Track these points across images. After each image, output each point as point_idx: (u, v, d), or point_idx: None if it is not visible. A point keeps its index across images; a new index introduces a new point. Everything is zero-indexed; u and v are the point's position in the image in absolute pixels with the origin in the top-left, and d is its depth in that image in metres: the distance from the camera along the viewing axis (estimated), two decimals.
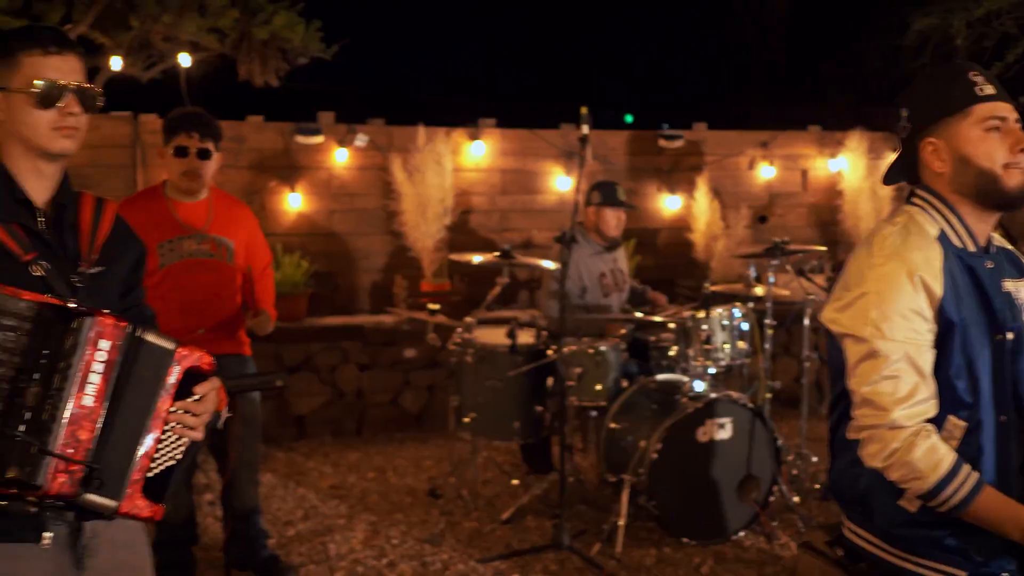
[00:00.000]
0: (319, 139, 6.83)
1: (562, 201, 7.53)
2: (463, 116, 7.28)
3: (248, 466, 4.33)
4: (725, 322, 5.07)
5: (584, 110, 4.71)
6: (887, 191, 7.78)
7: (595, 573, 4.48)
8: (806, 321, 5.39)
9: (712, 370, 5.07)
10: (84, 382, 2.00)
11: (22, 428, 1.97)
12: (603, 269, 5.72)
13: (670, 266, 7.62)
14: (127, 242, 2.43)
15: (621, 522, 4.69)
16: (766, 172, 7.97)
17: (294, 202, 6.89)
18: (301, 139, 6.82)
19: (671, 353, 5.16)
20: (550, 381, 5.22)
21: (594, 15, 15.89)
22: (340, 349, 6.69)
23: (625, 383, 5.19)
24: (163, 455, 2.18)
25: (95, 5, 5.32)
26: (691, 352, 5.04)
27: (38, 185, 2.25)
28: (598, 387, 5.13)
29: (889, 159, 8.04)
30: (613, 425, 5.07)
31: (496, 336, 5.28)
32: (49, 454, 1.96)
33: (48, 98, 2.16)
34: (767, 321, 5.31)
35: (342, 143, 6.83)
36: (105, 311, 2.06)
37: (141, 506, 2.12)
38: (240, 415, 4.07)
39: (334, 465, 6.10)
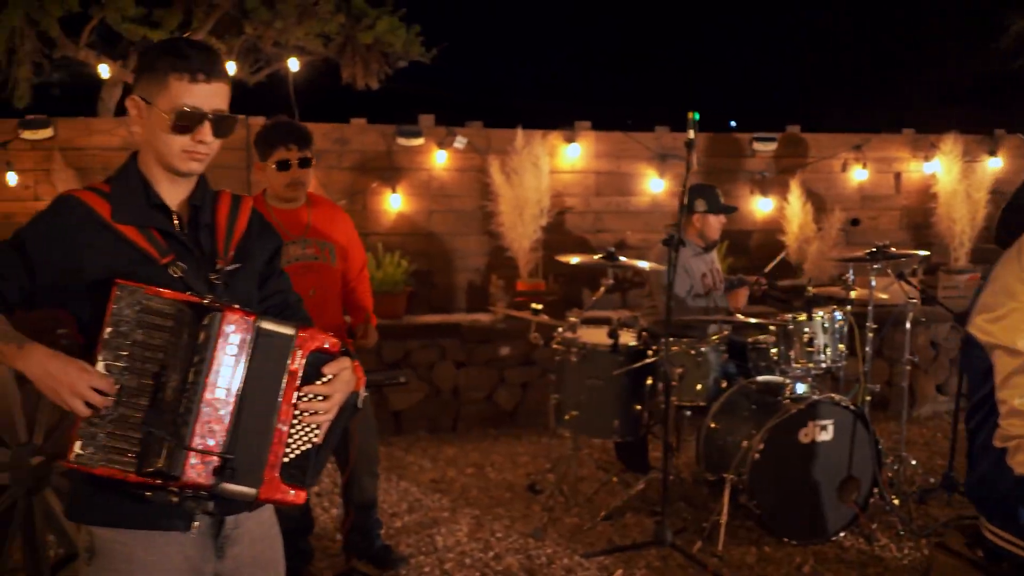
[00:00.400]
0: (419, 141, 7.00)
1: (655, 203, 7.60)
2: (557, 120, 7.39)
3: (367, 460, 4.48)
4: (827, 325, 5.10)
5: (691, 115, 4.77)
6: (982, 194, 7.70)
7: (698, 570, 4.55)
8: (907, 325, 5.38)
9: (811, 372, 5.10)
10: (216, 375, 2.11)
11: (162, 422, 2.09)
12: (703, 269, 5.79)
13: (762, 268, 7.63)
14: (264, 236, 2.50)
15: (722, 520, 4.75)
16: (859, 175, 7.95)
17: (394, 203, 7.07)
18: (402, 141, 6.99)
19: (771, 354, 5.21)
20: (650, 380, 5.31)
21: (689, 20, 15.85)
22: (438, 346, 6.84)
23: (724, 383, 5.27)
24: (297, 439, 2.24)
25: (214, 13, 5.53)
26: (792, 354, 5.07)
27: (172, 189, 2.34)
28: (698, 387, 5.21)
29: (985, 162, 7.97)
30: (713, 425, 5.14)
31: (597, 336, 5.38)
32: (185, 447, 2.07)
33: (185, 127, 2.22)
34: (868, 324, 5.32)
35: (441, 145, 6.99)
36: (234, 305, 2.16)
37: (284, 490, 2.20)
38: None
39: (432, 460, 6.26)
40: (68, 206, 2.26)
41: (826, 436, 4.88)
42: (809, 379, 5.08)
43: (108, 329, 2.11)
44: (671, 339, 5.23)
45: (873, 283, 5.31)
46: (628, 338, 5.33)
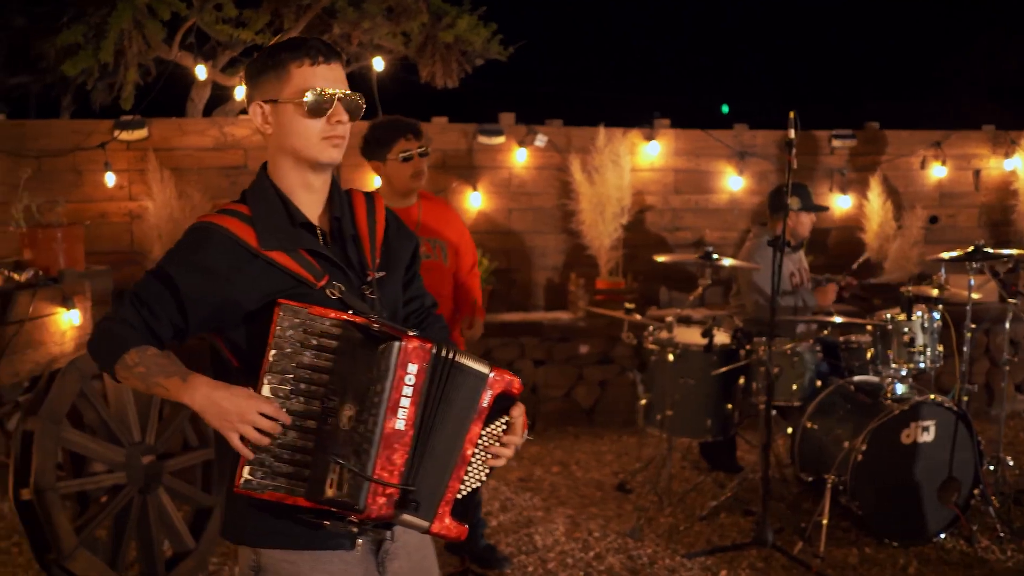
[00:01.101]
0: (500, 139, 7.01)
1: (733, 200, 7.56)
2: (637, 113, 7.37)
3: None
4: (926, 324, 5.05)
5: (792, 114, 4.74)
6: None
7: (801, 571, 4.53)
8: (1006, 324, 5.32)
9: (910, 372, 5.06)
10: (396, 406, 2.03)
11: (340, 449, 2.02)
12: (791, 268, 5.76)
13: (840, 266, 7.57)
14: (402, 236, 2.42)
15: (824, 521, 4.73)
16: (937, 172, 7.86)
17: (475, 201, 7.09)
18: (483, 139, 7.01)
19: (867, 354, 5.18)
20: (742, 380, 5.29)
21: (769, 19, 15.70)
22: (518, 344, 6.85)
23: (818, 383, 5.24)
24: (471, 477, 2.22)
25: (306, 13, 5.57)
26: (891, 354, 5.03)
27: (310, 200, 2.25)
28: (794, 386, 5.19)
29: None
30: (810, 424, 5.11)
31: (691, 335, 5.37)
32: (367, 479, 2.01)
33: (318, 108, 2.15)
34: (967, 323, 5.26)
35: (522, 143, 7.00)
36: (411, 332, 2.08)
37: (449, 526, 2.18)
38: None
39: (517, 458, 6.26)
40: (210, 237, 2.17)
41: (928, 437, 4.84)
42: (909, 379, 5.04)
43: (272, 352, 2.06)
44: (765, 338, 5.24)
45: (972, 282, 5.25)
46: (722, 337, 5.32)
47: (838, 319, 5.12)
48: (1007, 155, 7.91)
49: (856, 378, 5.19)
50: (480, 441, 2.21)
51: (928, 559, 4.69)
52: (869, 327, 5.16)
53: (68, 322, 4.16)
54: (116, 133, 5.72)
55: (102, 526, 4.15)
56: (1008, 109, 9.30)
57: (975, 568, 4.60)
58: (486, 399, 2.17)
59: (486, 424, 2.20)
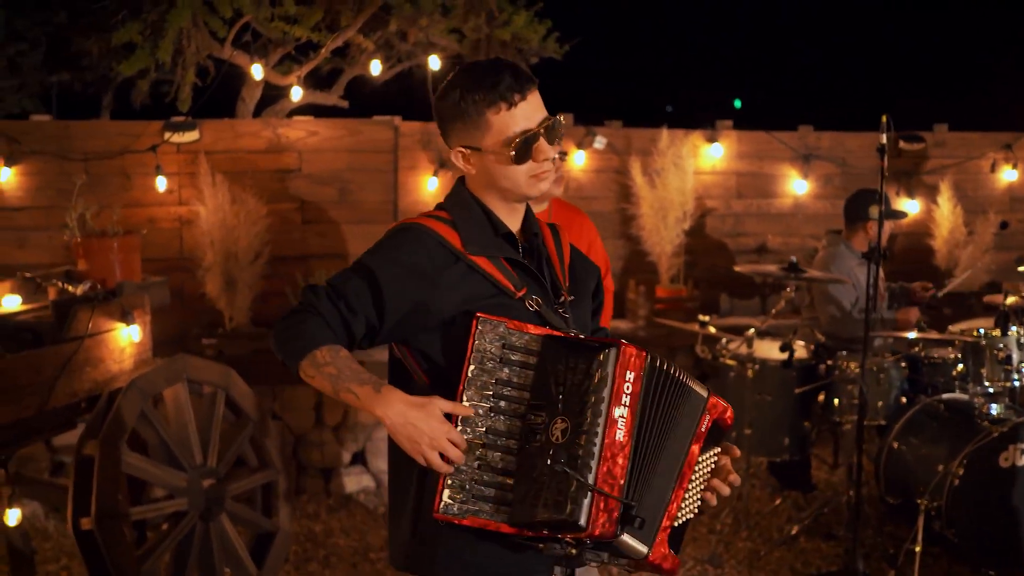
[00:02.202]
0: None
1: (797, 205, 7.28)
2: (702, 110, 7.12)
3: None
4: (1022, 340, 4.78)
5: (885, 118, 4.49)
6: None
7: None
8: None
9: (1005, 391, 4.79)
10: (614, 416, 1.90)
11: (550, 468, 1.89)
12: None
13: (906, 272, 7.29)
14: (586, 266, 2.34)
15: (917, 549, 4.46)
16: (1008, 175, 7.56)
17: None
18: None
19: (955, 371, 4.91)
20: (822, 397, 5.05)
21: (833, 20, 15.28)
22: None
23: (903, 399, 4.99)
24: (687, 505, 2.08)
25: (365, 10, 5.34)
26: (984, 372, 4.75)
27: (511, 218, 2.20)
28: (879, 404, 4.93)
29: None
30: (896, 445, 4.84)
31: (768, 349, 5.13)
32: (592, 488, 1.86)
33: (524, 154, 2.09)
34: None
35: (580, 146, 6.74)
36: (625, 340, 1.97)
37: (666, 555, 2.02)
38: None
39: None
40: (416, 236, 2.10)
41: None
42: (1005, 399, 4.77)
43: (471, 367, 1.96)
44: (846, 353, 4.99)
45: None
46: (801, 352, 5.08)
47: (933, 335, 4.84)
48: None
49: (945, 396, 4.92)
50: (698, 467, 2.08)
51: None
52: (957, 342, 4.89)
53: (128, 338, 3.94)
54: (167, 135, 5.49)
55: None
56: None
57: None
58: (705, 422, 2.06)
59: (702, 451, 2.09)
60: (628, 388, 1.91)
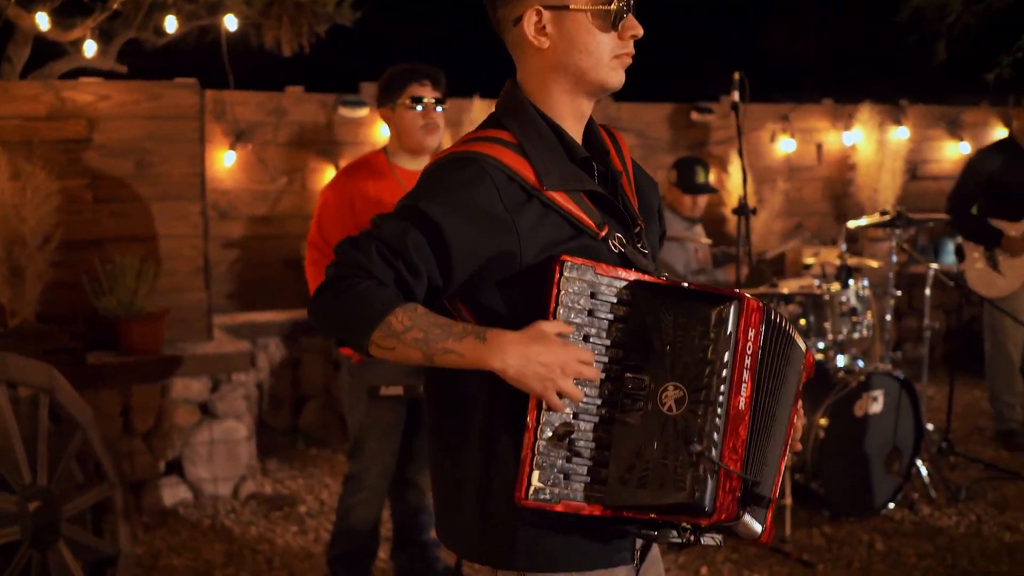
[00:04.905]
0: (363, 112, 6.41)
1: None
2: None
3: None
4: (861, 293, 4.95)
5: (737, 75, 4.56)
6: (899, 163, 7.84)
7: (779, 558, 4.28)
8: (927, 291, 5.32)
9: (849, 342, 4.95)
10: (740, 380, 1.62)
11: (667, 441, 1.61)
12: (694, 245, 5.66)
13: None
14: (649, 178, 1.99)
15: (788, 502, 4.50)
16: (786, 145, 7.92)
17: None
18: (344, 112, 6.37)
19: (800, 324, 5.01)
20: None
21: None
22: None
23: None
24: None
25: None
26: (827, 325, 4.87)
27: (576, 129, 1.82)
28: None
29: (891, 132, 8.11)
30: None
31: None
32: (717, 468, 1.59)
33: (616, 14, 1.74)
34: (892, 290, 5.22)
35: None
36: (743, 292, 1.67)
37: (769, 529, 1.78)
38: None
39: None
40: (486, 172, 1.69)
41: (877, 408, 4.75)
42: (851, 350, 4.93)
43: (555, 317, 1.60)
44: None
45: (894, 253, 5.20)
46: None
47: (785, 290, 4.89)
48: (846, 128, 8.10)
49: None
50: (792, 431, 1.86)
51: (886, 532, 4.59)
52: (798, 297, 4.99)
53: None
54: None
55: None
56: (846, 81, 9.60)
57: (936, 537, 4.53)
58: (803, 379, 1.83)
59: None
60: (750, 348, 1.63)
